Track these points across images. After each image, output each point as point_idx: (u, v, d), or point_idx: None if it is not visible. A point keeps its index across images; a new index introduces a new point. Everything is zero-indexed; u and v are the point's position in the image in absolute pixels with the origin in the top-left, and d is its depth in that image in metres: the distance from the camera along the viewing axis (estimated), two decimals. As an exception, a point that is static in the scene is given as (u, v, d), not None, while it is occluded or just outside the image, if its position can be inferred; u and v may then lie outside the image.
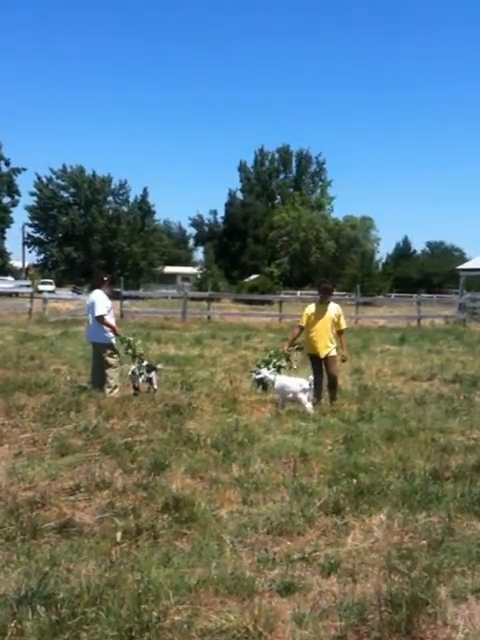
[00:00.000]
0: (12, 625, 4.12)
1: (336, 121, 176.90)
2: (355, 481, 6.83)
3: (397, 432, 9.14)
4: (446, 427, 9.66)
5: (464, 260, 78.10)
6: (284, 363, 12.14)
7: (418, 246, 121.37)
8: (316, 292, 12.89)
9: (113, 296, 14.00)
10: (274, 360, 12.07)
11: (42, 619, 4.17)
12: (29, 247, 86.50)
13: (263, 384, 11.73)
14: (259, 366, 12.08)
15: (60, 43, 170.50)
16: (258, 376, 11.76)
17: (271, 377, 11.41)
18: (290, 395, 11.05)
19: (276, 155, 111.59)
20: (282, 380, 11.31)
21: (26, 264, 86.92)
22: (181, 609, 4.33)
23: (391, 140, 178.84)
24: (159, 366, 12.65)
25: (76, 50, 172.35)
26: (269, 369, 11.84)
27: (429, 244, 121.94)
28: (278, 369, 11.81)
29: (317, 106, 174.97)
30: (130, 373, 12.19)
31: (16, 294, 48.45)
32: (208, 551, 5.24)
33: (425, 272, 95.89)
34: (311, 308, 11.84)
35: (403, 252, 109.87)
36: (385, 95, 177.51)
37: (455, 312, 38.29)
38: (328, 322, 11.58)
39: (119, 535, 5.49)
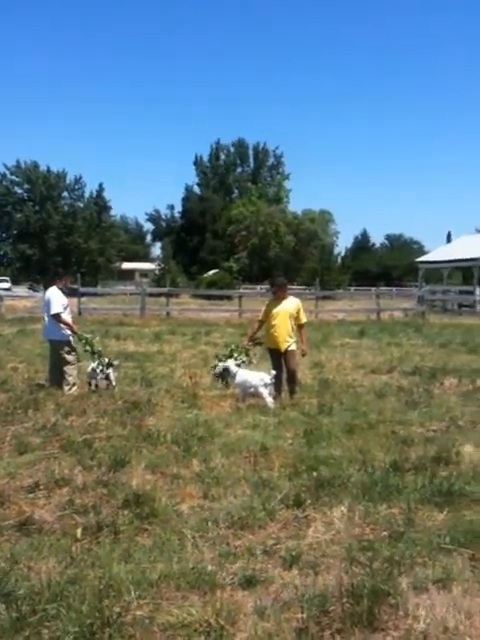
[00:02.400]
0: (-28, 623, 4.12)
1: (292, 115, 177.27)
2: (316, 474, 6.89)
3: (357, 425, 9.23)
4: (406, 419, 9.78)
5: (423, 253, 78.69)
6: (244, 358, 12.16)
7: (377, 239, 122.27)
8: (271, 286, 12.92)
9: (70, 293, 13.91)
10: (235, 354, 12.09)
11: (2, 616, 4.18)
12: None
13: (224, 377, 11.74)
14: (220, 360, 12.08)
15: (9, 38, 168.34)
16: (222, 364, 11.77)
17: (234, 369, 11.44)
18: (251, 389, 11.09)
19: (232, 148, 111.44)
20: (243, 374, 11.34)
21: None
22: (142, 604, 4.35)
23: (349, 133, 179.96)
24: (115, 362, 12.61)
25: (25, 44, 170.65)
26: (234, 359, 11.87)
27: (388, 237, 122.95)
28: (239, 364, 11.84)
29: (273, 100, 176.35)
30: (89, 370, 12.16)
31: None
32: (169, 546, 5.26)
33: (384, 265, 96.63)
34: (270, 302, 11.90)
35: (362, 245, 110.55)
36: (341, 88, 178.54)
37: (414, 305, 38.73)
38: (287, 316, 11.64)
39: (79, 532, 5.50)
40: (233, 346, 12.65)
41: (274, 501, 6.20)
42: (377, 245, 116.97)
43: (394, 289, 66.03)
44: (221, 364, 11.85)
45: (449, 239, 75.54)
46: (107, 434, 8.68)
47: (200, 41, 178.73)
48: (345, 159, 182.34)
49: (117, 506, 6.11)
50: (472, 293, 41.78)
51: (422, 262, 56.65)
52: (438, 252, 57.36)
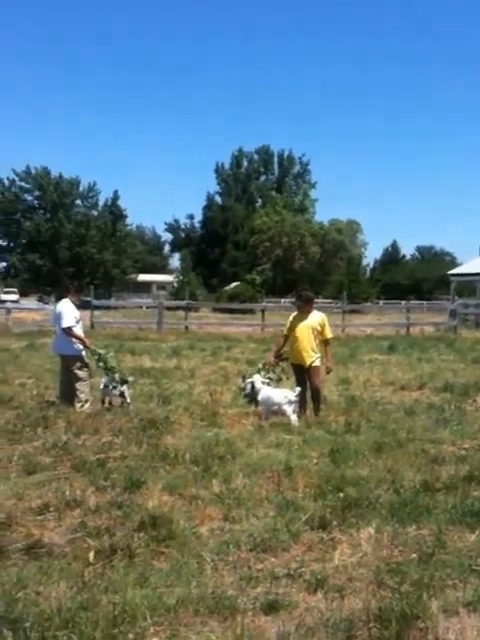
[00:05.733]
0: (-22, 651, 4.14)
1: (318, 122, 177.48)
2: (342, 494, 6.87)
3: (386, 443, 9.20)
4: (436, 437, 9.74)
5: (455, 265, 78.56)
6: (272, 375, 12.18)
7: (407, 251, 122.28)
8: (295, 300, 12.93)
9: (82, 306, 13.96)
10: (262, 372, 12.10)
11: (10, 644, 4.19)
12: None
13: (254, 397, 11.67)
14: (248, 378, 12.06)
15: (27, 43, 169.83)
16: (249, 380, 11.75)
17: (258, 385, 11.45)
18: (275, 407, 11.09)
19: (255, 156, 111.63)
20: (267, 391, 11.35)
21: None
22: (159, 630, 4.36)
23: (378, 141, 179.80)
24: (130, 379, 12.64)
25: (42, 50, 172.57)
26: (262, 374, 11.89)
27: (419, 249, 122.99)
28: (268, 382, 11.84)
29: (296, 107, 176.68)
30: (102, 386, 12.19)
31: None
32: (187, 570, 5.27)
33: (415, 278, 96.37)
34: (294, 316, 11.91)
35: (392, 257, 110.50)
36: (370, 96, 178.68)
37: (446, 319, 38.46)
38: (310, 331, 11.62)
39: (92, 555, 5.50)
40: (260, 365, 12.65)
41: (298, 523, 6.20)
42: (408, 257, 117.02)
43: (425, 303, 65.86)
44: (248, 381, 11.84)
45: (483, 251, 75.19)
46: (122, 453, 8.69)
47: (224, 47, 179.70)
48: (374, 167, 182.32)
49: (132, 528, 6.11)
50: (506, 307, 41.57)
51: (454, 274, 56.49)
52: (471, 264, 57.15)
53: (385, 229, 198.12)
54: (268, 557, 5.57)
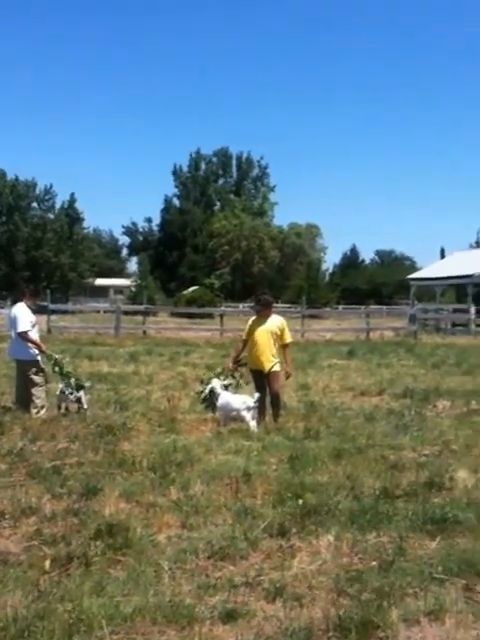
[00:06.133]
0: None
1: (277, 125, 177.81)
2: (301, 501, 6.87)
3: (345, 450, 9.24)
4: (396, 443, 9.81)
5: (415, 269, 79.17)
6: (231, 380, 12.18)
7: (367, 255, 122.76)
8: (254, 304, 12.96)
9: (38, 310, 13.87)
10: (221, 377, 12.10)
11: (-36, 654, 4.15)
12: None
13: (212, 402, 11.67)
14: (205, 383, 12.07)
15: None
16: (208, 387, 11.76)
17: (218, 391, 11.45)
18: (233, 413, 11.10)
19: (214, 159, 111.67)
20: (225, 397, 11.35)
21: None
22: (116, 639, 4.34)
23: (338, 145, 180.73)
24: (87, 384, 12.58)
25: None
26: (220, 379, 11.88)
27: (378, 253, 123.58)
28: (226, 387, 11.84)
29: (256, 109, 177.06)
30: (59, 392, 12.12)
31: None
32: (145, 578, 5.23)
33: (374, 282, 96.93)
34: (253, 321, 11.91)
35: (351, 261, 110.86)
36: (330, 97, 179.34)
37: (405, 324, 38.85)
38: (269, 335, 11.63)
39: (48, 564, 5.45)
40: (219, 370, 12.65)
41: (257, 530, 6.19)
42: (367, 261, 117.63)
43: (385, 307, 66.38)
44: (206, 387, 11.85)
45: (442, 255, 76.02)
46: (78, 460, 8.65)
47: (182, 47, 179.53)
48: (334, 171, 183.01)
49: (89, 536, 6.06)
50: (466, 311, 41.96)
51: (414, 279, 57.01)
52: (431, 269, 57.78)
53: (344, 233, 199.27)
54: (226, 565, 5.55)
